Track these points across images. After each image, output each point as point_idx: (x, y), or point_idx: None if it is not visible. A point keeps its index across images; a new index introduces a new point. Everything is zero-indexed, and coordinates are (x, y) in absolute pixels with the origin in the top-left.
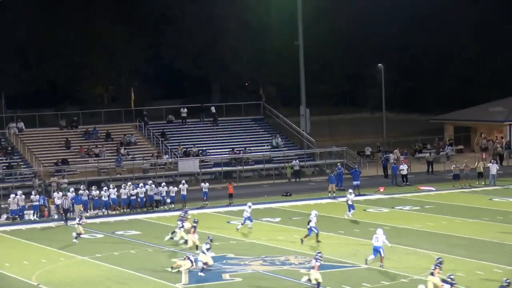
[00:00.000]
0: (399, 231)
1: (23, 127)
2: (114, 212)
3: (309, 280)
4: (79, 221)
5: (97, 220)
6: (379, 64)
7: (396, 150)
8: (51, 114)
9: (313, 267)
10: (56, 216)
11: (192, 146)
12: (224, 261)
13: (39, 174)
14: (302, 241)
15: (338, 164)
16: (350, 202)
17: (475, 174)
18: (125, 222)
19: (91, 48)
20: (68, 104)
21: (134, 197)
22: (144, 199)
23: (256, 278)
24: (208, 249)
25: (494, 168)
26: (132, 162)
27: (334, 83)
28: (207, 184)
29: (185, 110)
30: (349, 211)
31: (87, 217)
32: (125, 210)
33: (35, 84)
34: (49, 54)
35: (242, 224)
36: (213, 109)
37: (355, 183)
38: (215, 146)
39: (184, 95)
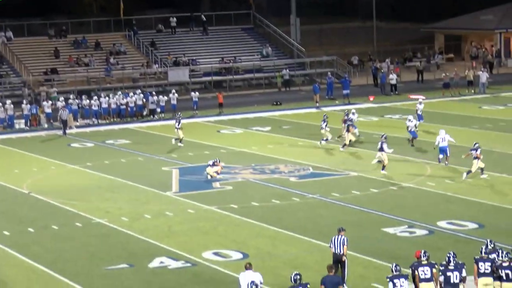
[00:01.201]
0: (389, 140)
1: (12, 37)
2: (104, 121)
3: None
4: (178, 125)
5: (87, 130)
6: None
7: (387, 60)
8: (40, 23)
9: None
10: (46, 125)
11: (182, 55)
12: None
13: (29, 83)
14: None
15: (328, 73)
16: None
17: (465, 83)
18: (115, 131)
19: None
20: (57, 13)
21: (124, 107)
22: (134, 109)
23: (246, 186)
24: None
25: (484, 76)
26: (121, 71)
27: None
28: (197, 93)
29: (175, 19)
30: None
31: (77, 126)
32: (115, 119)
33: None
34: None
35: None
36: (203, 18)
37: (345, 92)
38: (205, 55)
39: (173, 4)
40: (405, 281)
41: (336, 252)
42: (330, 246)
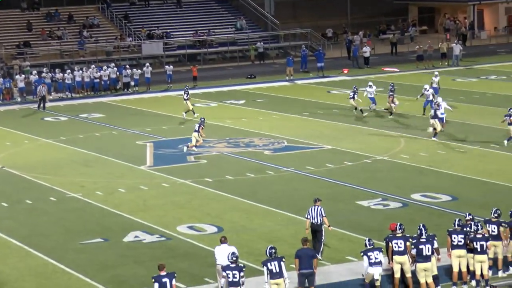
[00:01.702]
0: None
1: None
2: (77, 95)
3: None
4: (186, 96)
5: (61, 103)
6: None
7: (360, 32)
8: None
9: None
10: (19, 99)
11: (156, 28)
12: (189, 143)
13: (1, 57)
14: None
15: (303, 46)
16: (370, 95)
17: (438, 55)
18: (89, 105)
19: None
20: None
21: (98, 80)
22: (108, 82)
23: (220, 160)
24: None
25: (457, 48)
26: (95, 44)
27: None
28: (171, 66)
29: None
30: (373, 104)
31: (50, 100)
32: (88, 93)
33: None
34: None
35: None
36: None
37: (319, 65)
38: (179, 28)
39: None
40: (380, 253)
41: (314, 222)
42: (307, 217)
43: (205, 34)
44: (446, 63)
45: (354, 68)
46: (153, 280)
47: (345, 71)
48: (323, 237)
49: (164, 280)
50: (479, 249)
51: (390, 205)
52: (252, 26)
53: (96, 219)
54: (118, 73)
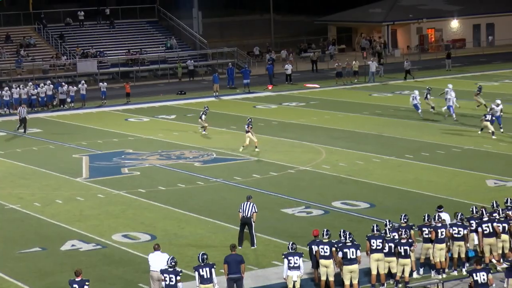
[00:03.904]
0: (286, 126)
1: None
2: (15, 111)
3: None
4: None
5: None
6: None
7: (282, 51)
8: None
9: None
10: None
11: (90, 47)
12: (123, 156)
13: None
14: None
15: (229, 63)
16: (415, 102)
17: (357, 72)
18: (27, 121)
19: None
20: None
21: (35, 97)
22: (45, 99)
23: (153, 172)
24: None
25: (373, 65)
26: (32, 63)
27: None
28: (105, 83)
29: (82, 13)
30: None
31: None
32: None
33: None
34: None
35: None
36: (107, 11)
37: (245, 81)
38: (112, 47)
39: None
40: (299, 259)
41: (244, 215)
42: (239, 211)
43: (137, 52)
44: (355, 80)
45: (274, 84)
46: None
47: (270, 87)
48: (253, 229)
49: (74, 285)
50: (403, 253)
51: (313, 212)
52: (182, 45)
53: (34, 229)
54: (54, 90)
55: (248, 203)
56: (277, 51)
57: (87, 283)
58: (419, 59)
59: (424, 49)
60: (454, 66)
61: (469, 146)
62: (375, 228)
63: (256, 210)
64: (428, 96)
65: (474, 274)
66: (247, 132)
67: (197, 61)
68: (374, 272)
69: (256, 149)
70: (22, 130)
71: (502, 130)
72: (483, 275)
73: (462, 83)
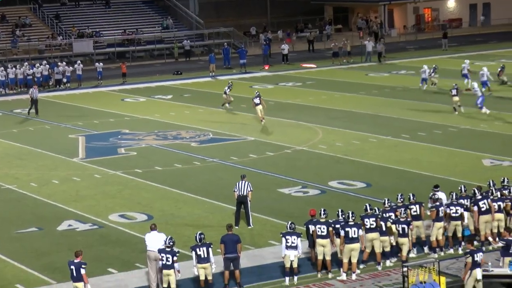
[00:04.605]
0: (283, 106)
1: None
2: (11, 91)
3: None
4: (228, 90)
5: None
6: None
7: (279, 31)
8: None
9: None
10: None
11: (86, 27)
12: (119, 136)
13: None
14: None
15: (225, 43)
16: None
17: (353, 52)
18: (22, 101)
19: None
20: None
21: (31, 77)
22: (41, 79)
23: (149, 152)
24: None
25: (369, 45)
26: (27, 43)
27: None
28: (101, 64)
29: None
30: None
31: None
32: (22, 89)
33: None
34: None
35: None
36: None
37: (241, 61)
38: (108, 27)
39: None
40: (297, 239)
41: (240, 194)
42: (234, 190)
43: (133, 33)
44: (345, 60)
45: (271, 64)
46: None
47: (266, 67)
48: (249, 208)
49: (71, 266)
50: (400, 232)
51: (310, 192)
52: (178, 25)
53: (30, 209)
54: (50, 70)
55: (243, 182)
56: (274, 31)
57: (83, 266)
58: (416, 38)
59: (421, 29)
60: (451, 45)
61: (465, 126)
62: (368, 207)
63: (252, 189)
64: (433, 74)
65: (475, 255)
66: (257, 104)
67: (194, 41)
68: (368, 250)
69: (262, 122)
70: (34, 111)
71: (483, 108)
72: (481, 255)
73: (458, 63)
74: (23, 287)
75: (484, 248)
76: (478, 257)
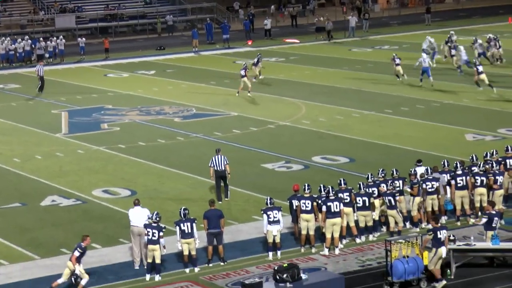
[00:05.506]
0: (266, 81)
1: None
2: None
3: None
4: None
5: None
6: None
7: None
8: None
9: None
10: None
11: (68, 2)
12: (102, 112)
13: None
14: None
15: (207, 19)
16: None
17: (336, 27)
18: (5, 76)
19: None
20: None
21: (13, 52)
22: (23, 54)
23: (133, 127)
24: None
25: (353, 20)
26: (9, 18)
27: None
28: (83, 39)
29: None
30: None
31: None
32: (4, 64)
33: None
34: None
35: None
36: None
37: (224, 36)
38: (90, 2)
39: None
40: (278, 212)
41: (218, 169)
42: (210, 165)
43: (116, 7)
44: (322, 37)
45: (254, 39)
46: None
47: (249, 43)
48: (228, 181)
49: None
50: (388, 204)
51: (293, 167)
52: (161, 0)
53: (14, 184)
54: (32, 45)
55: (219, 156)
56: (256, 6)
57: (79, 249)
58: (399, 14)
59: (404, 4)
60: (434, 21)
61: (448, 101)
62: (342, 182)
63: (228, 162)
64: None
65: (438, 232)
66: (243, 76)
67: (176, 16)
68: (344, 224)
69: (249, 94)
70: (41, 90)
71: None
72: (444, 232)
73: (441, 38)
74: (7, 263)
75: (459, 223)
76: (442, 234)
